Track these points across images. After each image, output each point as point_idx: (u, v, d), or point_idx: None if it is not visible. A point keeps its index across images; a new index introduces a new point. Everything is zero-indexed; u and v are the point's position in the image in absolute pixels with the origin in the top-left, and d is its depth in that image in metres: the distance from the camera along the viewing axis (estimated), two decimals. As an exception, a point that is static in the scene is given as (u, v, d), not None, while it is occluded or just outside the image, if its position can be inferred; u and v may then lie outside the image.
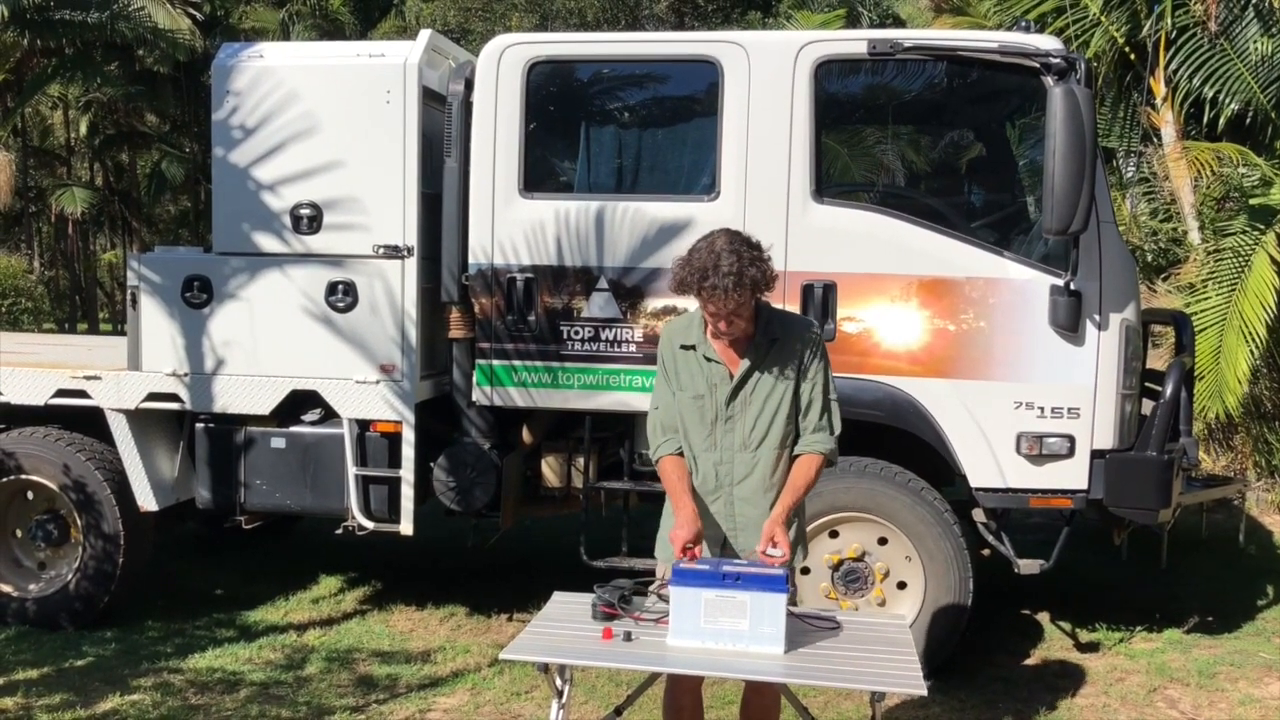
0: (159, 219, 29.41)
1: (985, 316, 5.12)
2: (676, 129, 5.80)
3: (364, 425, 5.65)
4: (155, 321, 5.77)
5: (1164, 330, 7.65)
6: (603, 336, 5.42)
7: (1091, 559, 7.00)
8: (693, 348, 3.51)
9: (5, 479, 5.97)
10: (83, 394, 5.87)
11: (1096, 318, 5.05)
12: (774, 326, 3.52)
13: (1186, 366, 5.59)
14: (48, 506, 6.06)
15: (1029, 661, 5.69)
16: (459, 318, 5.57)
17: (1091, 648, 5.86)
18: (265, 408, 5.70)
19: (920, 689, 3.10)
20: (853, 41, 5.31)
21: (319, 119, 5.58)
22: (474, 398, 5.59)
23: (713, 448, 3.53)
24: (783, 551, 3.35)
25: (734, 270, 3.26)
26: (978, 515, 5.40)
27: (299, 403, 5.72)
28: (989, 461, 5.14)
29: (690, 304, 3.57)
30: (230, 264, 5.72)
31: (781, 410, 3.50)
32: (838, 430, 3.59)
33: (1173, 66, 9.59)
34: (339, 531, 5.75)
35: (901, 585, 5.26)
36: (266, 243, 5.67)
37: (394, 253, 5.54)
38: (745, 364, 3.48)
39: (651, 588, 3.58)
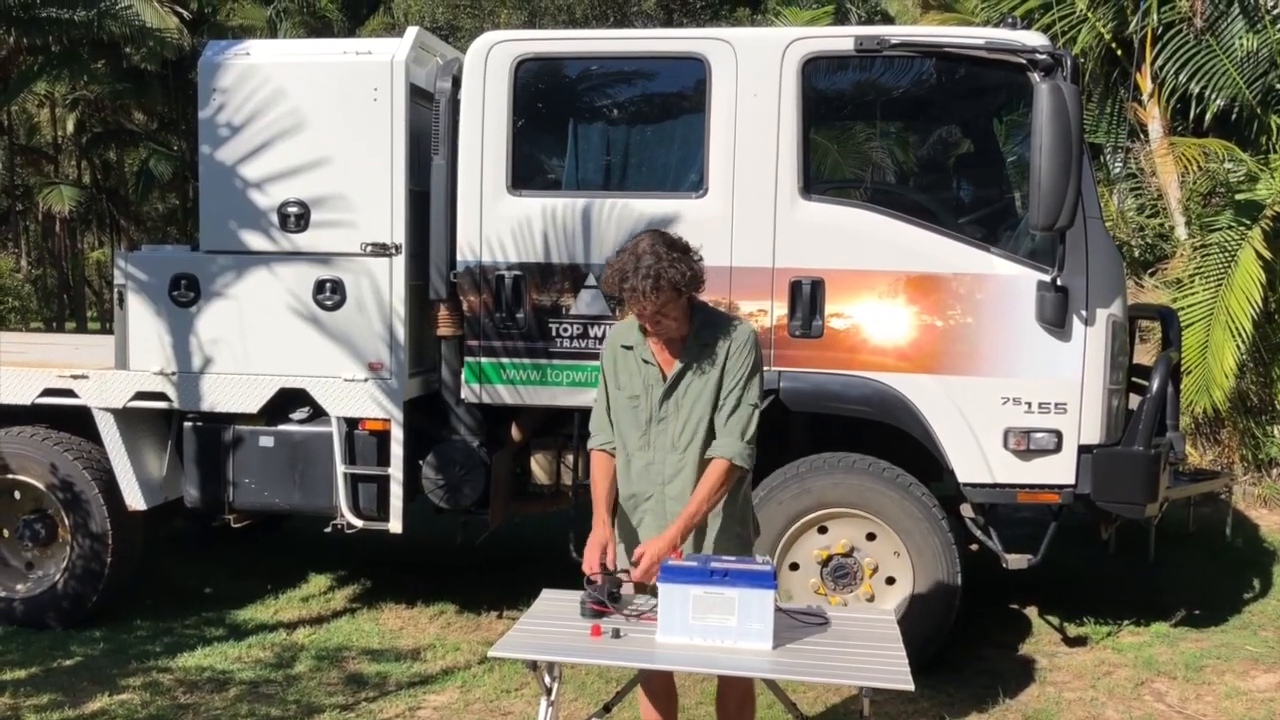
0: (147, 217, 29.31)
1: (972, 312, 5.14)
2: (664, 126, 5.81)
3: (352, 423, 5.64)
4: (142, 320, 5.75)
5: (1151, 325, 7.67)
6: (591, 334, 5.42)
7: (1079, 553, 7.02)
8: (631, 348, 3.55)
9: (-8, 479, 5.96)
10: (70, 393, 5.85)
11: (1083, 313, 5.07)
12: (705, 330, 3.53)
13: (1173, 361, 5.62)
14: (35, 506, 6.03)
15: (1017, 655, 5.71)
16: (447, 315, 5.56)
17: (1079, 642, 5.89)
18: (253, 406, 5.69)
19: (908, 684, 3.10)
20: (840, 38, 5.32)
21: (306, 116, 5.56)
22: (462, 395, 5.58)
23: (646, 447, 3.57)
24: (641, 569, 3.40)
25: (652, 273, 3.30)
26: (966, 510, 5.42)
27: (287, 401, 5.71)
28: (977, 457, 5.15)
29: None
30: (217, 262, 5.70)
31: (707, 414, 3.52)
32: (747, 436, 3.49)
33: (1159, 62, 9.62)
34: (328, 530, 5.75)
35: (890, 580, 5.28)
36: (254, 241, 5.66)
37: (382, 250, 5.53)
38: (677, 366, 3.51)
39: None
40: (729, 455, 3.47)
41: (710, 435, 3.53)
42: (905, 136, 6.37)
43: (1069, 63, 4.91)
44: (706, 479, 3.47)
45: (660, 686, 3.78)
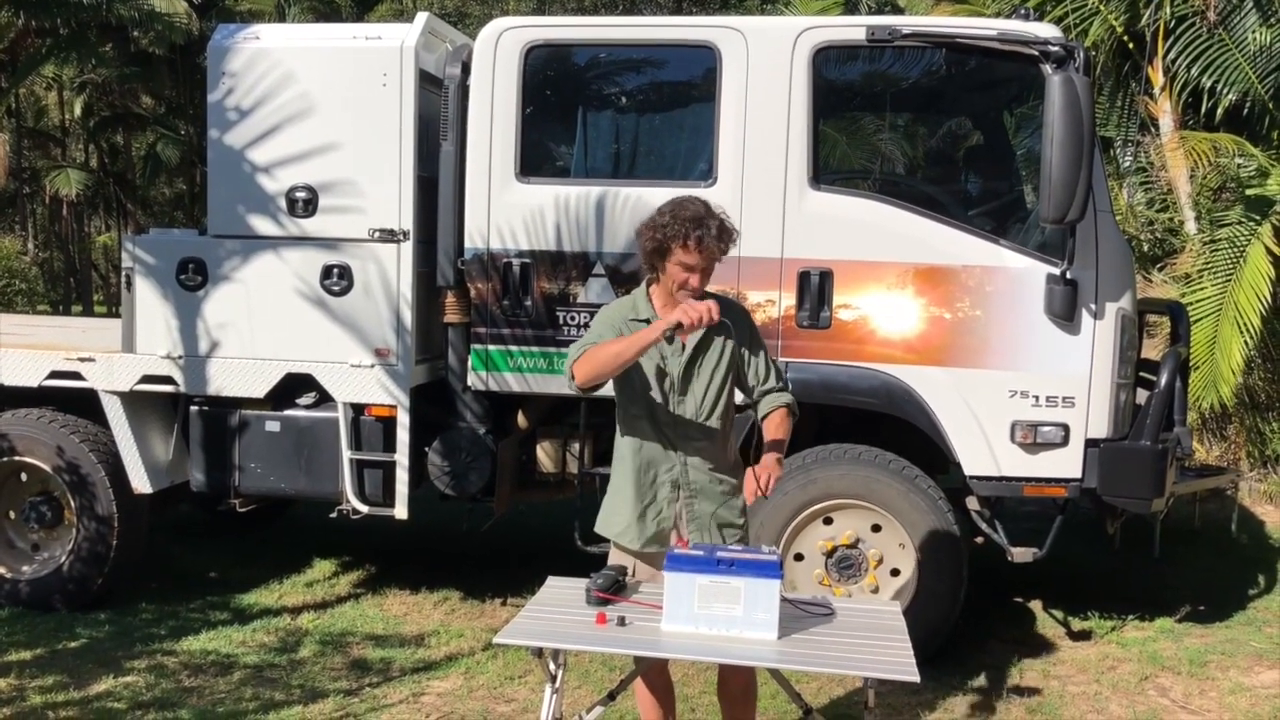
0: (154, 201, 29.30)
1: (981, 305, 5.12)
2: (674, 114, 5.79)
3: (359, 409, 5.64)
4: (150, 304, 5.76)
5: (1159, 320, 7.64)
6: (598, 322, 5.40)
7: (1084, 548, 7.02)
8: (646, 322, 3.53)
9: (-1, 460, 5.97)
10: (77, 376, 5.86)
11: (1092, 307, 5.06)
12: (707, 295, 3.55)
13: (1181, 356, 5.60)
14: (41, 488, 6.05)
15: (1021, 649, 5.70)
16: (454, 302, 5.56)
17: (1083, 636, 5.88)
18: (260, 391, 5.69)
19: (913, 676, 3.10)
20: (851, 28, 5.30)
21: (315, 101, 5.56)
22: (469, 382, 5.58)
23: (670, 419, 3.57)
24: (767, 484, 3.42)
25: (720, 222, 3.40)
26: (972, 503, 5.41)
27: (294, 386, 5.71)
28: (983, 450, 5.14)
29: None
30: (225, 246, 5.70)
31: (726, 381, 3.59)
32: (791, 387, 3.78)
33: (1171, 56, 9.57)
34: (333, 515, 5.76)
35: (895, 572, 5.27)
36: (261, 225, 5.65)
37: (389, 236, 5.52)
38: (697, 334, 3.52)
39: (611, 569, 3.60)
40: (790, 403, 3.67)
41: (726, 403, 3.60)
42: (915, 127, 6.34)
43: (1081, 55, 4.88)
44: (782, 426, 3.61)
45: (660, 681, 3.78)
